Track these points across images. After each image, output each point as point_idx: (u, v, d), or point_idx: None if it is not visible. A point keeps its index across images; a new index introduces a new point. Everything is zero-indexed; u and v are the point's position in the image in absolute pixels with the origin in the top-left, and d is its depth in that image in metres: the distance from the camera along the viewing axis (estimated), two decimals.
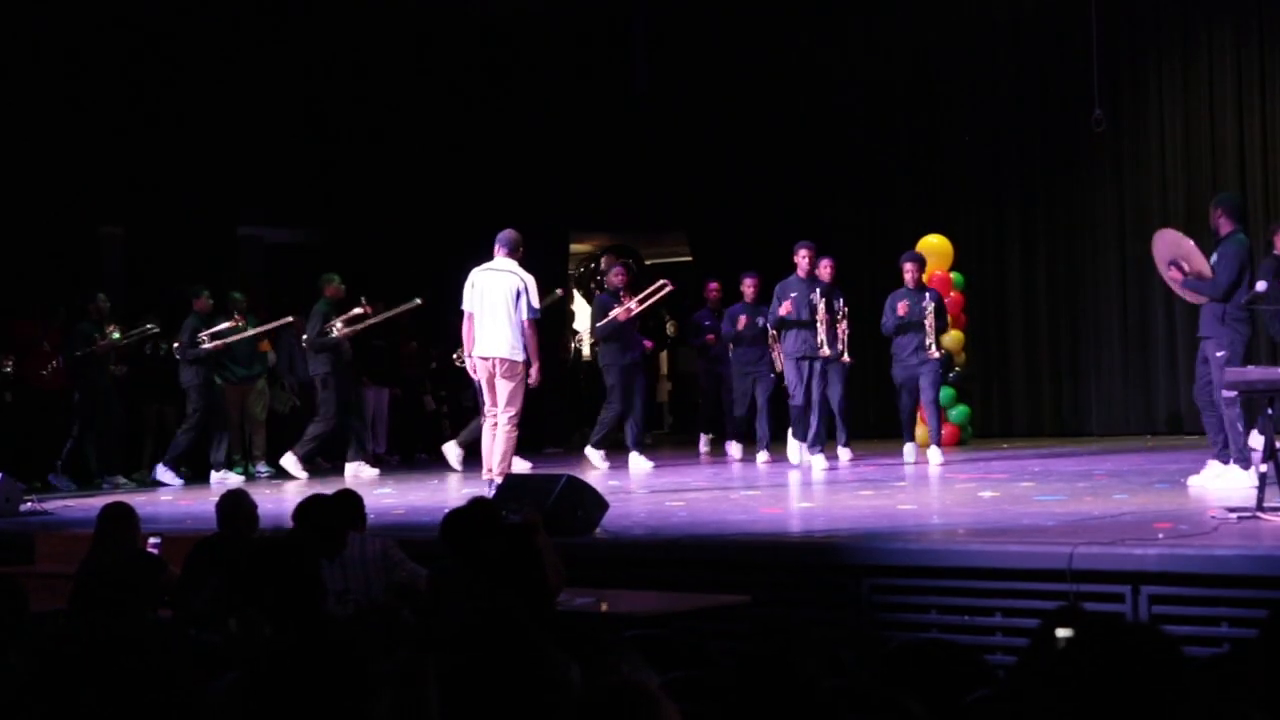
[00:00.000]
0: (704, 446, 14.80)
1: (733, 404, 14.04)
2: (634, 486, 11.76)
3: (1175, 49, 15.04)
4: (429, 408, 16.33)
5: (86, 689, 2.76)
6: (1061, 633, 2.53)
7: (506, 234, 10.55)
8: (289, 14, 15.71)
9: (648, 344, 14.13)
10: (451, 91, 16.59)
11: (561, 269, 17.77)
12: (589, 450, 13.48)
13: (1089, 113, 13.68)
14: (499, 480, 10.15)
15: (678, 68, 17.54)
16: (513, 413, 10.41)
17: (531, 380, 10.42)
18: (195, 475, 14.34)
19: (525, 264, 10.58)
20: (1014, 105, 15.82)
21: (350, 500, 7.39)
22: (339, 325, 13.71)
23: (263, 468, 14.39)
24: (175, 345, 13.89)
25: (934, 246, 14.52)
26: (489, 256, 10.59)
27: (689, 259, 18.41)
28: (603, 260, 16.61)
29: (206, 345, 13.70)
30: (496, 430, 10.47)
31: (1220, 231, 9.65)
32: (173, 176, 15.07)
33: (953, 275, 14.75)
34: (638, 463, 13.15)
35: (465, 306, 10.51)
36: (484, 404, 10.80)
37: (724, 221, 17.20)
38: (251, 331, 14.11)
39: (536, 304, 10.40)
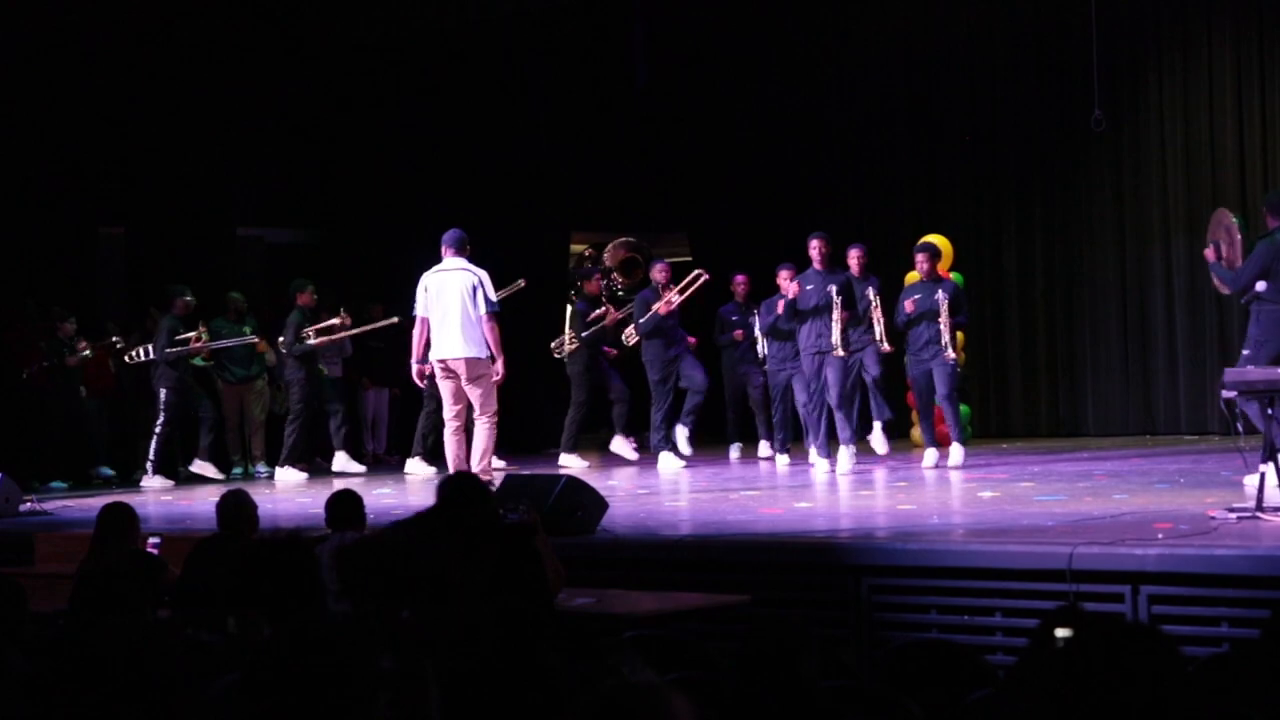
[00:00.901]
0: (735, 454, 14.05)
1: (765, 402, 13.42)
2: (660, 486, 11.79)
3: (1175, 49, 15.03)
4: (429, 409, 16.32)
5: (86, 689, 2.76)
6: (1061, 633, 2.53)
7: (452, 233, 10.41)
8: (289, 14, 15.70)
9: (691, 340, 13.65)
10: (452, 91, 16.59)
11: (562, 269, 17.75)
12: (663, 455, 13.17)
13: (1089, 113, 13.66)
14: (485, 479, 10.08)
15: (678, 68, 17.53)
16: (491, 411, 10.25)
17: (497, 376, 10.28)
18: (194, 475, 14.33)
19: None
20: (1014, 105, 15.82)
21: (352, 499, 7.39)
22: None
23: (262, 468, 14.36)
24: (280, 340, 14.00)
25: None
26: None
27: (689, 259, 18.39)
28: (606, 254, 16.39)
29: (311, 341, 13.78)
30: (475, 432, 10.33)
31: (1268, 227, 9.63)
32: (173, 176, 15.07)
33: (952, 275, 14.75)
34: (668, 461, 13.06)
35: (418, 311, 10.37)
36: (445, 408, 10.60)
37: (724, 221, 17.19)
38: (355, 330, 14.19)
39: (494, 297, 10.24)
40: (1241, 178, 14.60)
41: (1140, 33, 15.13)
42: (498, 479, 9.40)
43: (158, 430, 13.70)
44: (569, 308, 14.29)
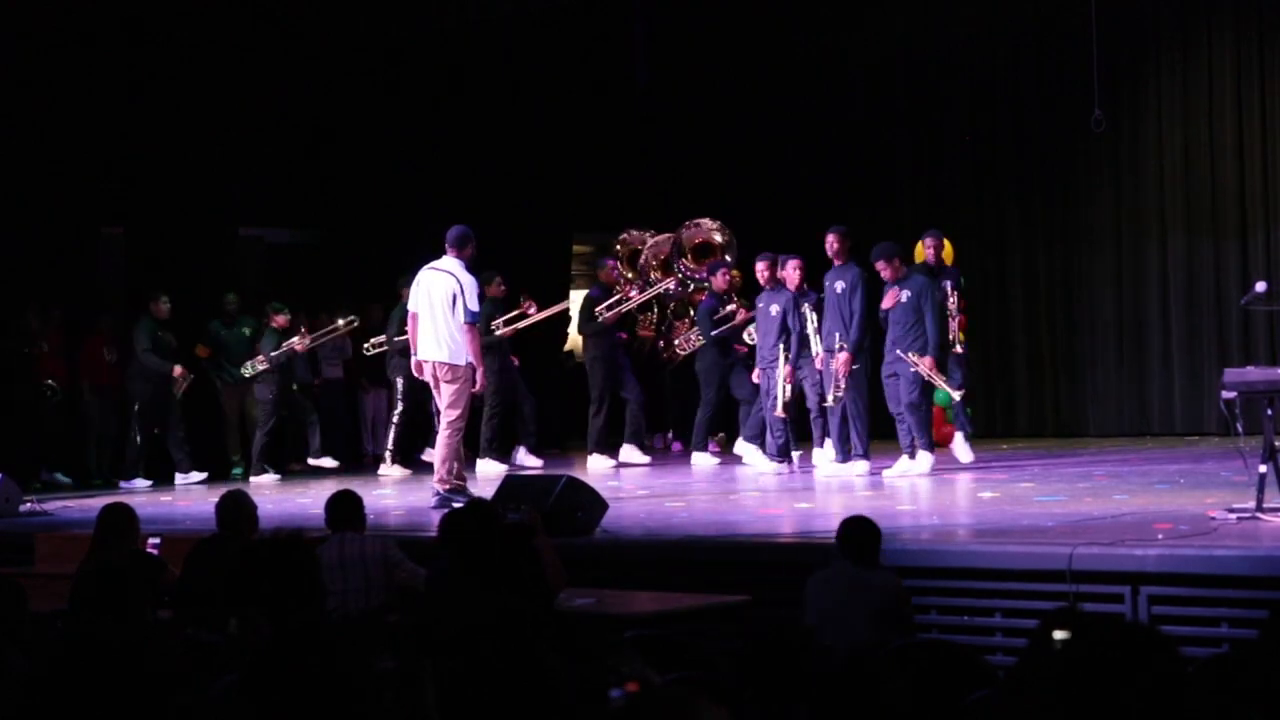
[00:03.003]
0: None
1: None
2: (661, 486, 11.77)
3: (1175, 49, 15.04)
4: (430, 409, 16.31)
5: (86, 690, 2.76)
6: (1059, 635, 2.53)
7: (452, 231, 10.23)
8: (289, 14, 15.70)
9: (741, 348, 13.43)
10: (451, 91, 16.58)
11: (562, 269, 17.74)
12: (695, 455, 13.31)
13: (1089, 113, 13.66)
14: (441, 490, 10.02)
15: (678, 68, 17.54)
16: (453, 417, 10.05)
17: (477, 386, 10.16)
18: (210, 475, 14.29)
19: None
20: (1014, 105, 15.82)
21: (352, 500, 7.40)
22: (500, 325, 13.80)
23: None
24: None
25: None
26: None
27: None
28: (685, 230, 16.08)
29: (500, 331, 13.81)
30: (437, 439, 10.30)
31: None
32: (173, 176, 15.06)
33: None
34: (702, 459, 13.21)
35: (410, 306, 10.28)
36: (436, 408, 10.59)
37: (724, 221, 17.17)
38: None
39: (475, 307, 10.03)
40: (1241, 178, 14.60)
41: (1140, 33, 15.13)
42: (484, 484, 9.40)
43: (395, 420, 13.97)
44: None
